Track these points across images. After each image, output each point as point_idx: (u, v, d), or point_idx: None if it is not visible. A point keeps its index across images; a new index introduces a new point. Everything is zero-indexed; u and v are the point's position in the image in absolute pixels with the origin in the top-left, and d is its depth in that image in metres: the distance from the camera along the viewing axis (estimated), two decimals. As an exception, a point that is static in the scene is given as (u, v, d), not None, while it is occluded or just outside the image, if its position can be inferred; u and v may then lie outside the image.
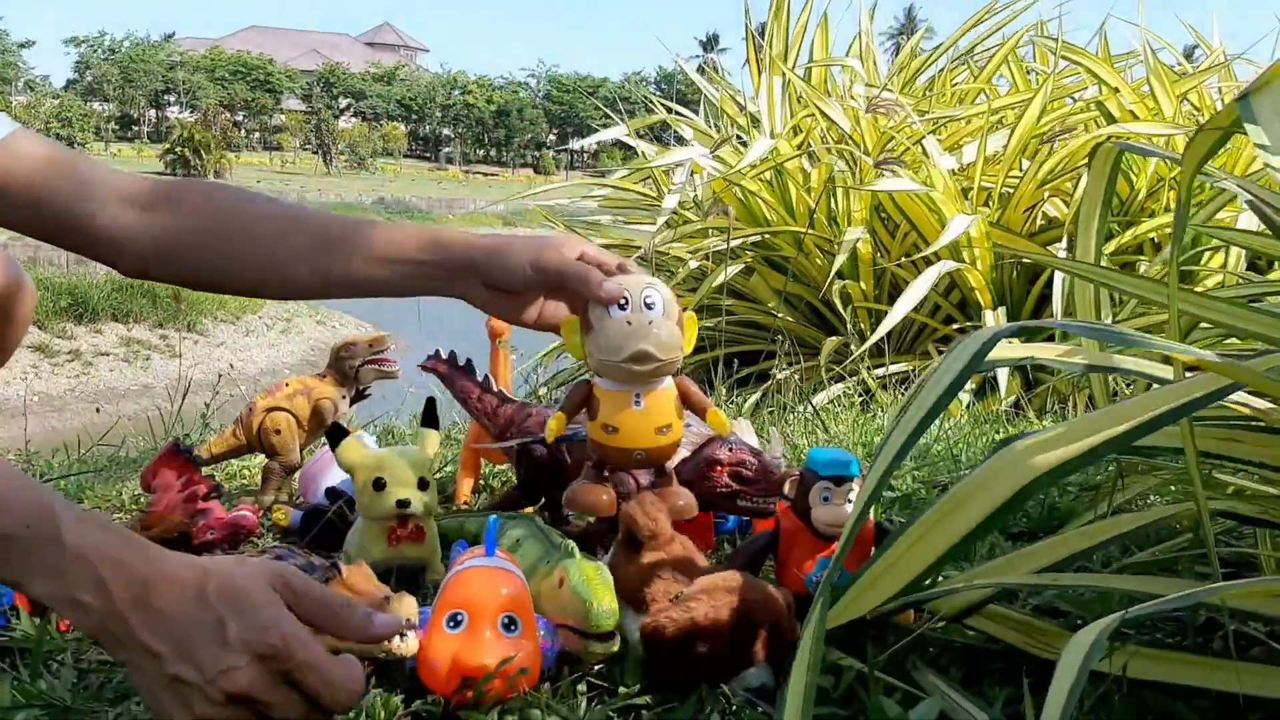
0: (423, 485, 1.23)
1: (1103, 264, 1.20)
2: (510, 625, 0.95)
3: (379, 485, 1.21)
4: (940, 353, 2.98)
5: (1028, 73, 3.72)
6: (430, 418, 1.29)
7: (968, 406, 2.45)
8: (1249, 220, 2.71)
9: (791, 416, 2.36)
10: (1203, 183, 2.74)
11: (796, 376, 2.70)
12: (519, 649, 0.94)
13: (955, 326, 3.06)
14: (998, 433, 2.13)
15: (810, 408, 2.14)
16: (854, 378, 2.82)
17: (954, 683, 1.01)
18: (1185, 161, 0.97)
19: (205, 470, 1.52)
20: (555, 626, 1.02)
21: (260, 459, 1.80)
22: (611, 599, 1.01)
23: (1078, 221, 1.18)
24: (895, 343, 3.01)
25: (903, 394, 2.56)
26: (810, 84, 3.59)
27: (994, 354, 0.88)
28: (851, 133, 3.31)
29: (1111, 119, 3.06)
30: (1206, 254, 2.76)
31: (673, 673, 1.00)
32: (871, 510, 1.18)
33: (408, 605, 0.98)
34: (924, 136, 3.15)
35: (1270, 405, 0.99)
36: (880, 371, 2.86)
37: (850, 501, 1.15)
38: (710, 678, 0.98)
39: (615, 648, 1.02)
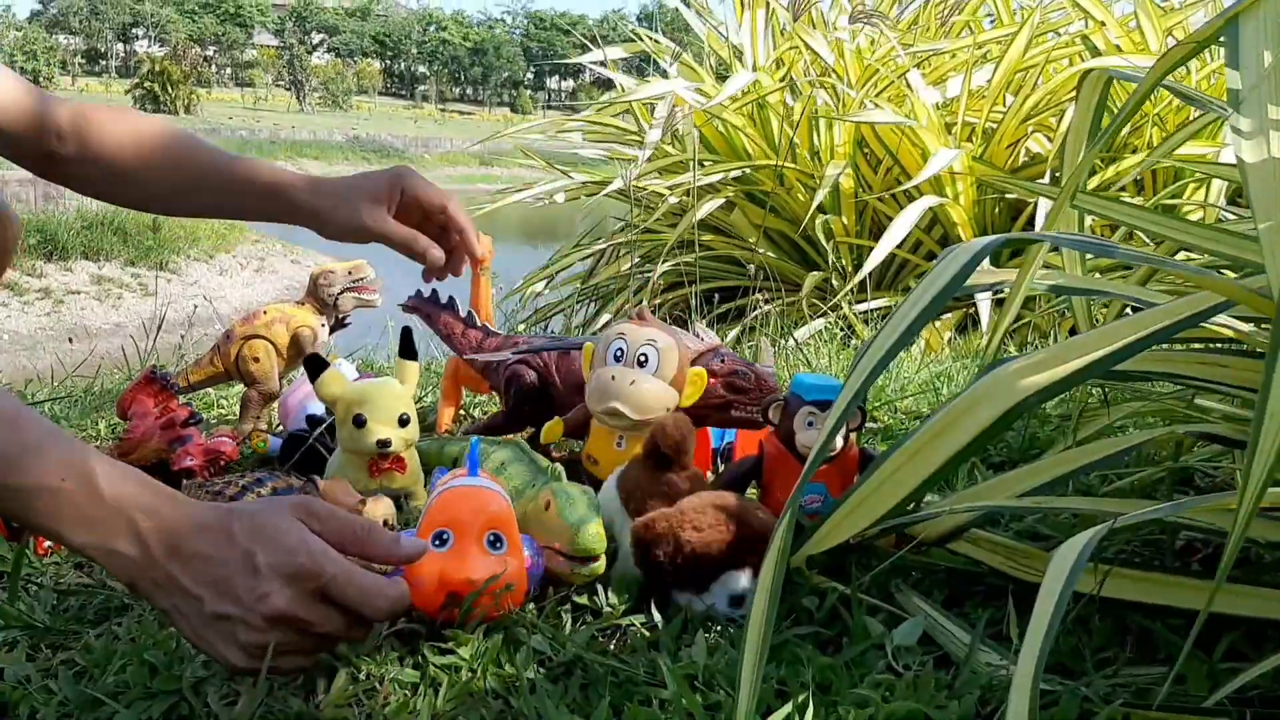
0: (403, 421, 1.22)
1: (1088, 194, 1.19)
2: (496, 543, 0.95)
3: (359, 422, 1.20)
4: (921, 288, 2.98)
5: (1013, 7, 3.68)
6: (408, 348, 1.28)
7: (948, 342, 2.45)
8: (1230, 155, 2.70)
9: (773, 351, 2.35)
10: (1185, 107, 2.73)
11: (777, 312, 2.69)
12: (505, 566, 0.94)
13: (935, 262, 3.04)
14: (979, 367, 2.13)
15: (793, 341, 2.14)
16: (835, 313, 2.82)
17: (936, 604, 1.01)
18: (1153, 69, 0.95)
19: (182, 399, 1.50)
20: (541, 547, 1.02)
21: (238, 387, 1.78)
22: (598, 522, 1.00)
23: (1063, 154, 1.17)
24: (876, 278, 3.00)
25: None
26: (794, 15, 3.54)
27: (973, 278, 0.87)
28: (835, 65, 3.27)
29: (1097, 53, 3.03)
30: (1190, 186, 2.76)
31: (661, 575, 0.99)
32: (853, 437, 1.18)
33: (383, 506, 0.97)
34: (908, 70, 3.12)
35: (1252, 328, 1.00)
36: (861, 307, 2.86)
37: (835, 426, 1.15)
38: (696, 578, 0.98)
39: (601, 569, 1.02)
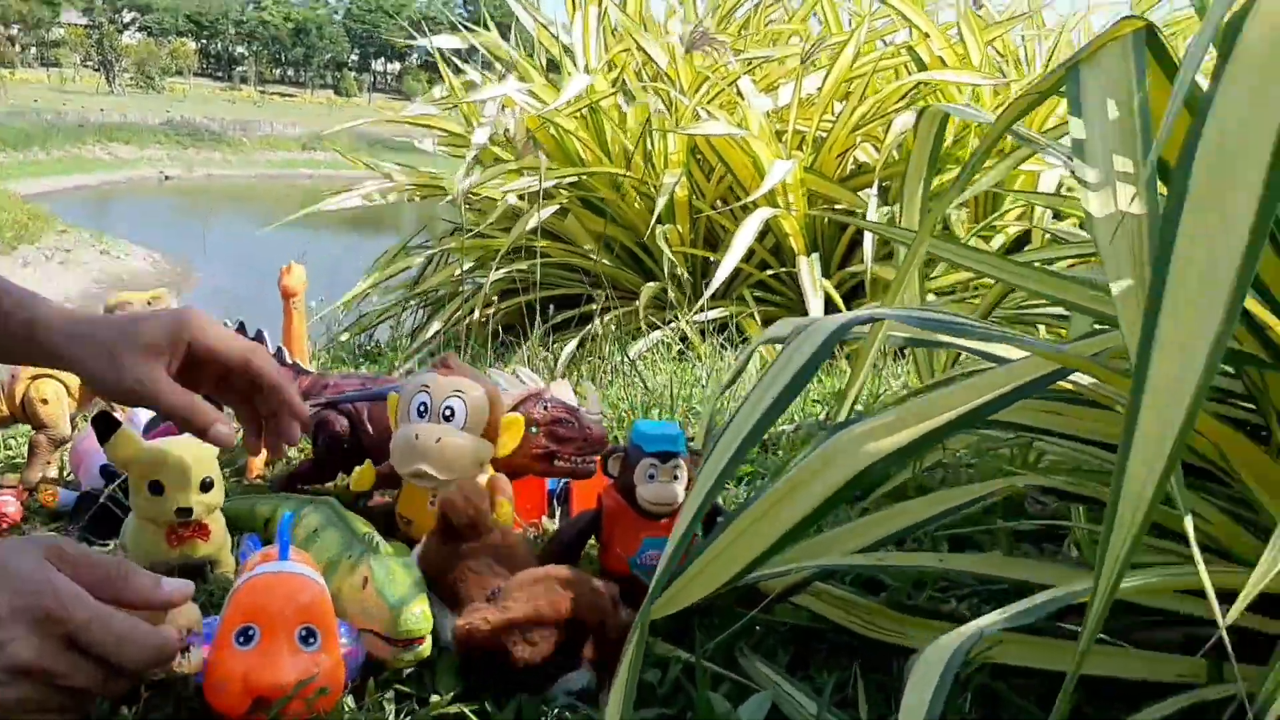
0: (206, 486, 1.10)
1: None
2: (308, 638, 0.86)
3: (156, 488, 1.08)
4: (756, 299, 2.99)
5: (839, 13, 3.72)
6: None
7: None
8: (1049, 180, 2.81)
9: (609, 368, 2.30)
10: (1010, 139, 2.81)
11: (614, 324, 2.64)
12: (318, 664, 0.85)
13: (770, 272, 3.05)
14: (815, 385, 2.13)
15: (627, 360, 2.09)
16: (670, 325, 2.79)
17: (781, 669, 0.97)
18: (998, 122, 0.94)
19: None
20: (358, 631, 0.94)
21: (25, 430, 1.62)
22: (422, 601, 0.92)
23: (904, 181, 1.15)
24: (716, 290, 2.99)
25: (720, 343, 2.54)
26: (627, 15, 3.48)
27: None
28: (668, 70, 3.24)
29: (922, 65, 3.09)
30: (1012, 209, 2.85)
31: (490, 677, 0.93)
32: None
33: (188, 614, 0.87)
34: (739, 77, 3.11)
35: (1092, 381, 0.99)
36: (699, 317, 2.84)
37: (677, 479, 1.10)
38: (530, 683, 0.92)
39: (426, 653, 0.94)
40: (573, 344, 2.68)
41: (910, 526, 1.01)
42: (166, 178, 29.36)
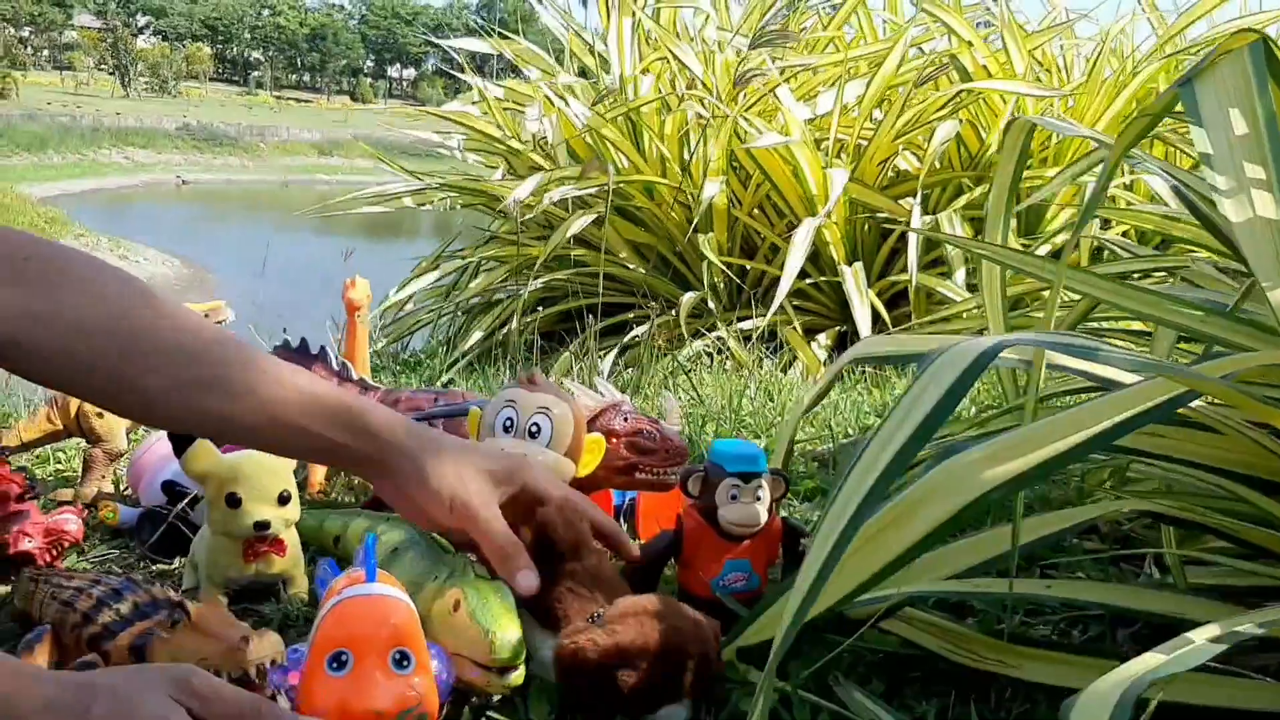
0: (284, 499, 1.08)
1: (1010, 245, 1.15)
2: (402, 661, 0.83)
3: (233, 501, 1.06)
4: (795, 308, 2.96)
5: (874, 21, 3.69)
6: None
7: (826, 359, 2.42)
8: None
9: (649, 378, 2.28)
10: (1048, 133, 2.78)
11: (655, 332, 2.61)
12: (414, 688, 0.82)
13: (809, 281, 3.03)
14: (864, 395, 2.10)
15: (676, 367, 2.06)
16: (712, 334, 2.76)
17: (877, 697, 0.95)
18: (1115, 147, 0.92)
19: (14, 463, 1.33)
20: (450, 655, 0.91)
21: (76, 440, 1.60)
22: (516, 627, 0.90)
23: (988, 198, 1.12)
24: (749, 298, 2.97)
25: (766, 352, 2.51)
26: (660, 25, 3.46)
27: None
28: (704, 77, 3.22)
29: (966, 74, 3.06)
30: (1053, 215, 2.82)
31: (589, 703, 0.90)
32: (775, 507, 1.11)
33: (270, 643, 0.83)
34: (778, 85, 3.08)
35: (1200, 402, 0.96)
36: (740, 326, 2.81)
37: (760, 499, 1.07)
38: (630, 711, 0.89)
39: (520, 681, 0.92)
40: (613, 354, 2.66)
41: (1010, 551, 0.98)
42: (183, 182, 29.43)
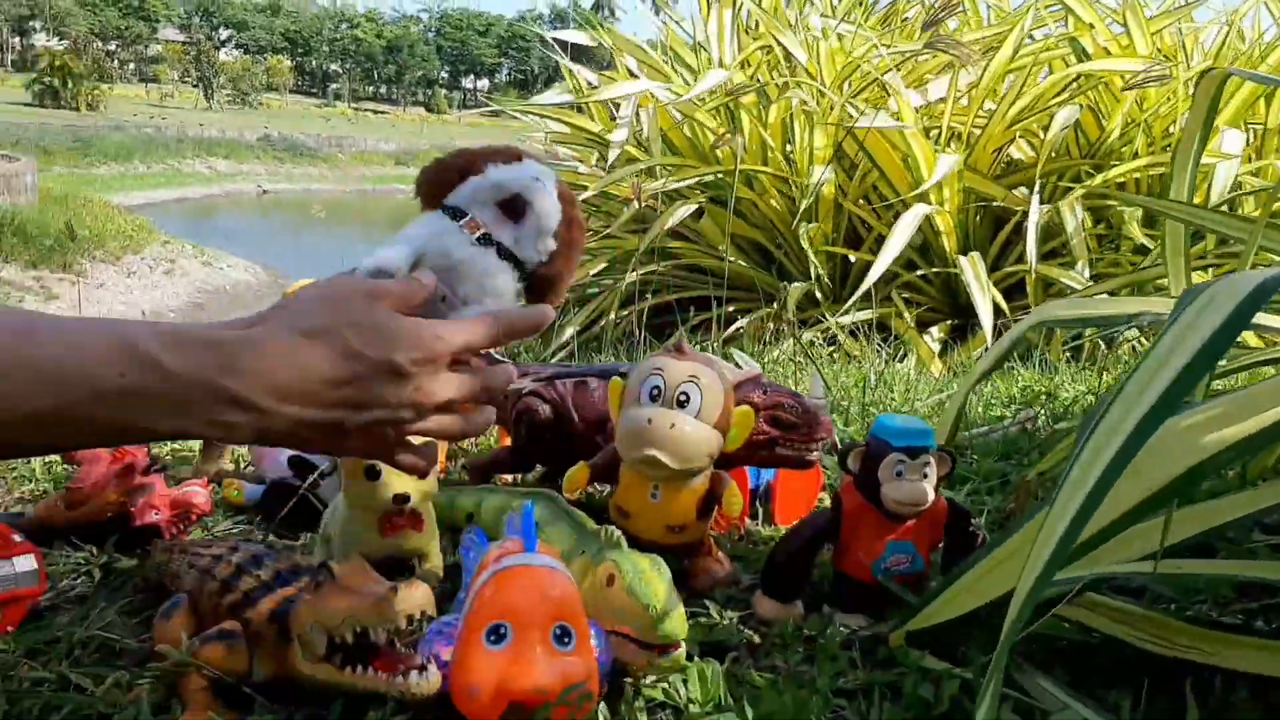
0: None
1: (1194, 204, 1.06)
2: (564, 637, 0.78)
3: (373, 474, 1.01)
4: (905, 300, 2.86)
5: (980, 10, 3.59)
6: None
7: (940, 352, 2.33)
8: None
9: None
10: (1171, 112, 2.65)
11: (761, 324, 2.54)
12: (577, 666, 0.77)
13: (919, 273, 2.93)
14: (1007, 387, 2.01)
15: (783, 355, 1.99)
16: (815, 326, 2.68)
17: (1063, 685, 0.87)
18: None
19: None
20: (606, 633, 0.85)
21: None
22: (675, 598, 0.84)
23: (1173, 157, 1.04)
24: (854, 289, 2.88)
25: (877, 343, 2.43)
26: (763, 9, 3.38)
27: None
28: (808, 66, 3.14)
29: (1085, 56, 2.94)
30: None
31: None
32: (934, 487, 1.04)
33: (419, 594, 0.77)
34: (889, 70, 2.99)
35: None
36: (845, 319, 2.72)
37: (926, 476, 1.00)
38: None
39: (683, 659, 0.86)
40: (715, 346, 2.59)
41: (1221, 525, 0.90)
42: (264, 191, 30.00)
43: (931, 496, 1.00)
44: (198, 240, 16.96)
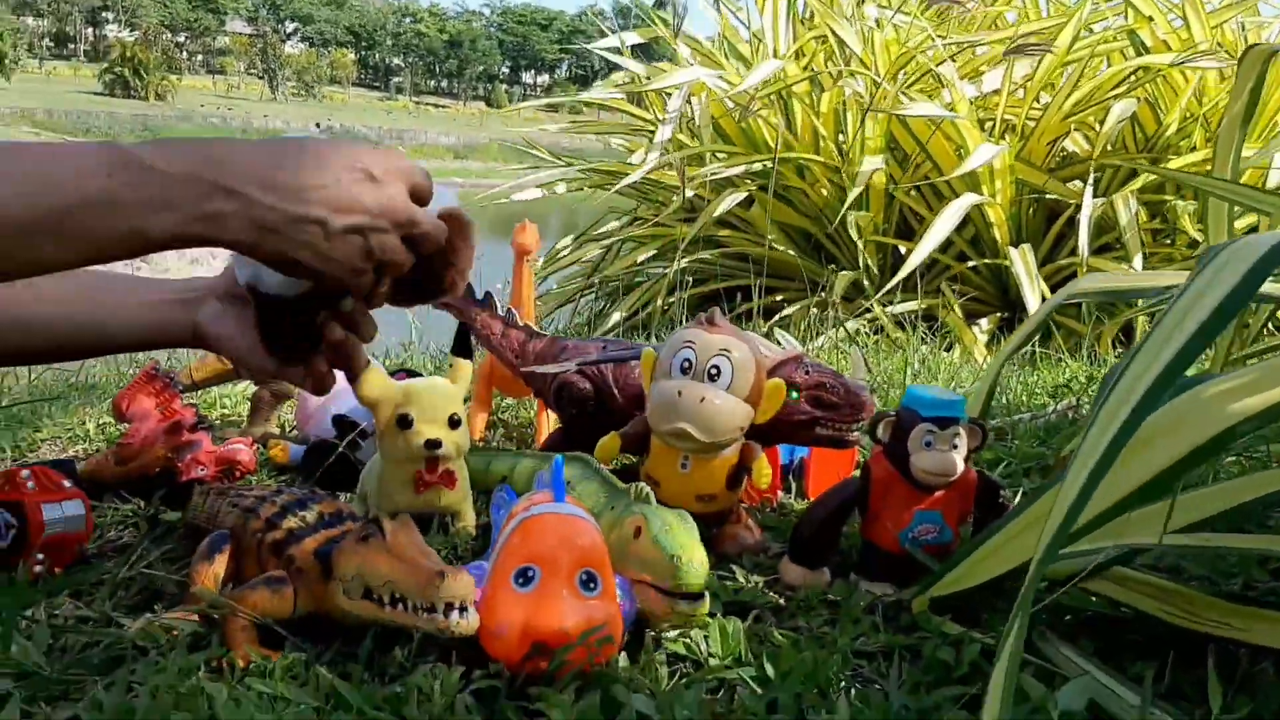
0: (454, 423, 1.06)
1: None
2: (589, 583, 0.79)
3: (405, 423, 1.04)
4: (955, 291, 2.85)
5: (1039, 2, 3.55)
6: (463, 346, 1.12)
7: (987, 343, 2.32)
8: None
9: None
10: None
11: (808, 313, 2.54)
12: (601, 611, 0.78)
13: (970, 264, 2.91)
14: (1032, 374, 2.00)
15: (843, 331, 1.99)
16: (862, 315, 2.67)
17: (1089, 656, 0.87)
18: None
19: (185, 398, 1.34)
20: (631, 584, 0.87)
21: (244, 386, 1.62)
22: (702, 551, 0.85)
23: (1217, 136, 1.03)
24: (904, 279, 2.86)
25: (926, 333, 2.42)
26: (821, 2, 3.37)
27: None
28: (863, 55, 3.13)
29: (1144, 49, 2.91)
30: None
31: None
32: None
33: (464, 584, 0.78)
34: (944, 61, 2.97)
35: None
36: (894, 309, 2.71)
37: (956, 447, 1.00)
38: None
39: (705, 610, 0.87)
40: (761, 334, 2.60)
41: (1244, 504, 0.89)
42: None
43: (961, 467, 1.00)
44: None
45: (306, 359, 0.83)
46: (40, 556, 0.98)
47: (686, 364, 1.04)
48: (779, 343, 1.17)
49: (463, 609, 0.77)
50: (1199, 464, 0.76)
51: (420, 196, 0.75)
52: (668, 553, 0.84)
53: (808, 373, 1.12)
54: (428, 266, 0.78)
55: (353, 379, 0.85)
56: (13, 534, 0.97)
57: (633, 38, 3.82)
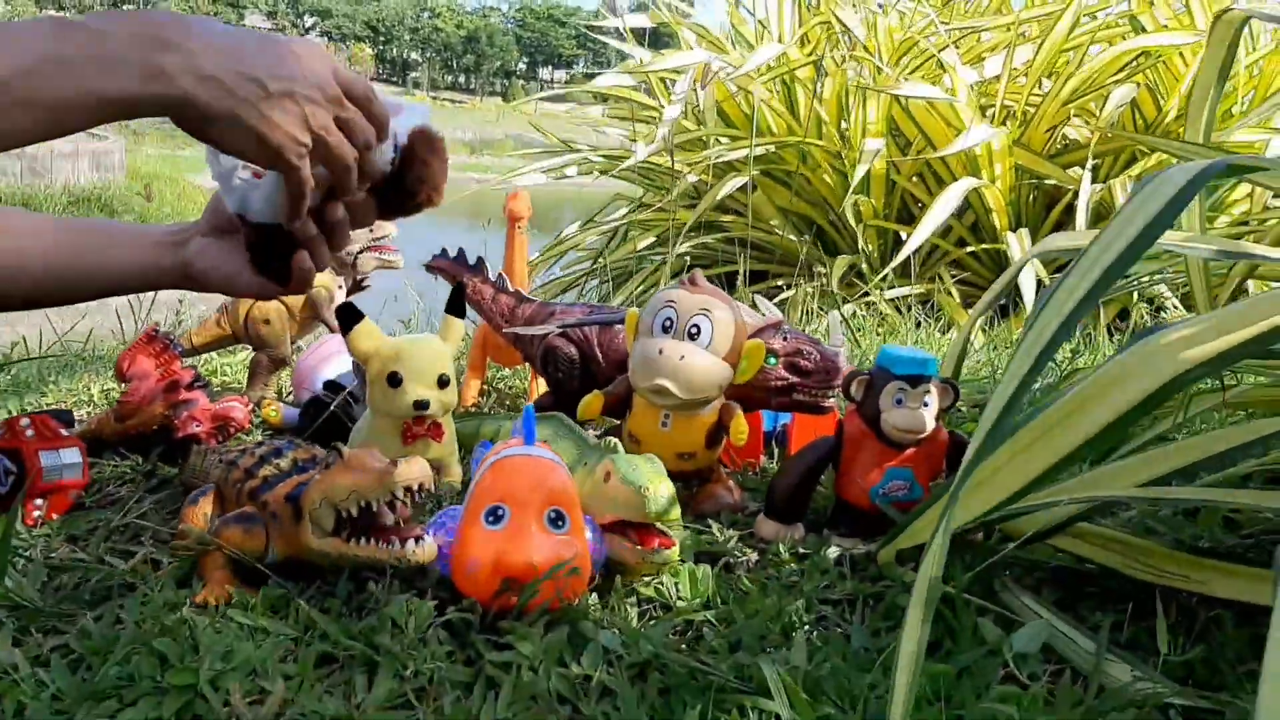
0: (443, 382, 1.09)
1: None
2: (558, 521, 0.82)
3: (395, 380, 1.07)
4: (954, 277, 2.86)
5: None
6: (456, 305, 1.15)
7: (984, 328, 2.33)
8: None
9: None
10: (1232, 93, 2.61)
11: (807, 296, 2.56)
12: (568, 547, 0.81)
13: (968, 250, 2.92)
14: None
15: (838, 314, 2.01)
16: (861, 300, 2.69)
17: (1049, 605, 0.89)
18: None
19: (185, 363, 1.37)
20: (602, 530, 0.90)
21: (244, 353, 1.65)
22: (669, 485, 0.88)
23: (1188, 102, 1.05)
24: (903, 263, 2.88)
25: (922, 316, 2.44)
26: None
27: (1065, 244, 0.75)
28: (866, 41, 3.14)
29: (1144, 33, 2.91)
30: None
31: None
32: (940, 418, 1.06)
33: (418, 467, 0.81)
34: (946, 47, 2.98)
35: None
36: (892, 294, 2.73)
37: (926, 405, 1.03)
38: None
39: (675, 558, 0.90)
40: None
41: (1196, 462, 0.91)
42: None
43: (931, 425, 1.03)
44: (276, 221, 17.26)
45: (289, 273, 0.85)
46: (39, 502, 1.01)
47: (668, 323, 1.07)
48: (760, 310, 1.19)
49: (418, 538, 0.80)
50: (1150, 410, 0.78)
51: (351, 91, 0.77)
52: (635, 484, 0.87)
53: (785, 339, 1.15)
54: (399, 178, 0.82)
55: (320, 268, 0.87)
56: (11, 480, 1.01)
57: (636, 20, 3.82)
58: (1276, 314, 0.74)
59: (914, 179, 3.03)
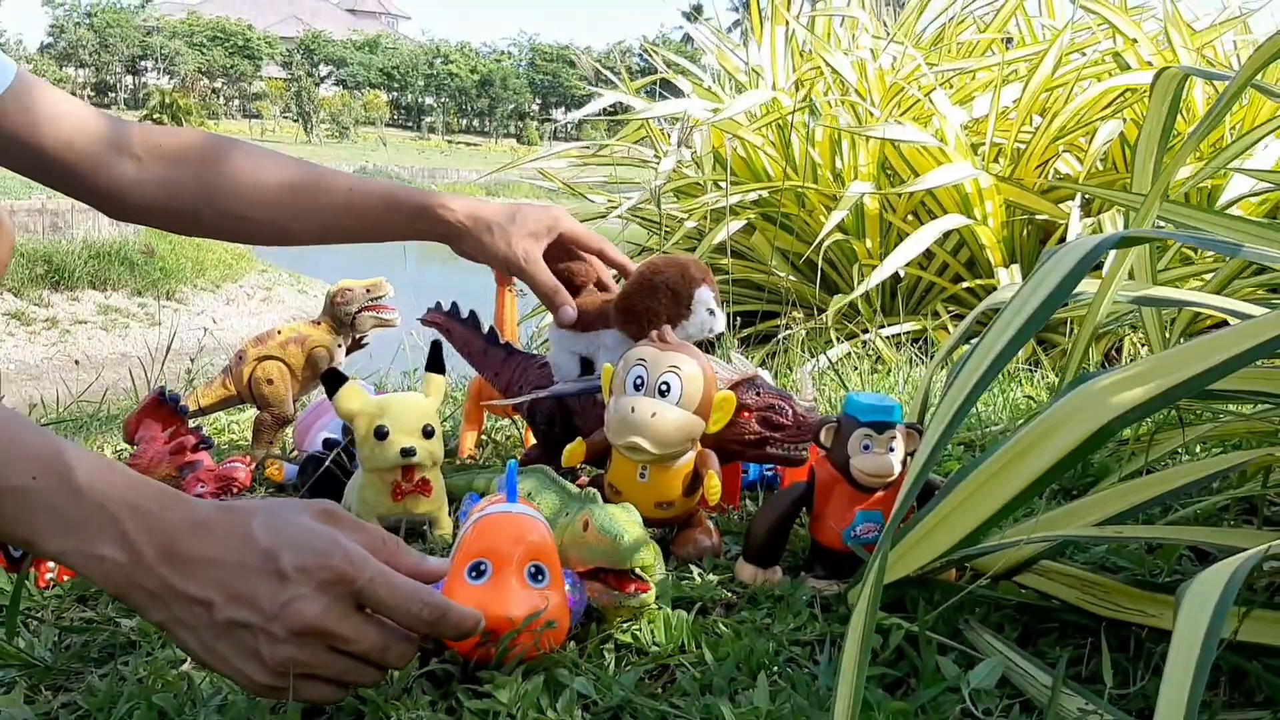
0: (428, 433, 1.15)
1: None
2: (537, 575, 0.87)
3: (381, 434, 1.12)
4: (950, 313, 2.91)
5: (1035, 27, 3.62)
6: (436, 361, 1.21)
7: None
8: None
9: (793, 376, 2.28)
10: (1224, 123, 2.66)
11: (802, 336, 2.61)
12: (546, 600, 0.86)
13: (964, 285, 2.97)
14: (1014, 389, 2.06)
15: (826, 360, 2.06)
16: (858, 338, 2.74)
17: (1010, 642, 0.94)
18: (1242, 69, 0.90)
19: (192, 423, 1.43)
20: (580, 580, 0.94)
21: (250, 411, 1.71)
22: (643, 533, 0.93)
23: (1134, 159, 1.10)
24: (902, 302, 2.93)
25: (915, 353, 2.48)
26: (814, 34, 3.47)
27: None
28: (857, 86, 3.21)
29: (1129, 71, 2.96)
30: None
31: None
32: (909, 461, 1.10)
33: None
34: (934, 90, 3.05)
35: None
36: (888, 331, 2.78)
37: (893, 450, 1.07)
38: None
39: (651, 600, 0.94)
40: (760, 356, 2.67)
41: (1151, 499, 0.95)
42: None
43: (898, 469, 1.07)
44: (294, 268, 17.47)
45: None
46: (51, 564, 1.06)
47: (639, 380, 1.11)
48: (735, 364, 1.25)
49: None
50: (1087, 455, 0.82)
51: (375, 600, 0.70)
52: (610, 533, 0.91)
53: (759, 394, 1.20)
54: None
55: None
56: (24, 544, 1.06)
57: (614, 96, 3.89)
58: (1211, 356, 0.78)
59: (908, 218, 3.09)
